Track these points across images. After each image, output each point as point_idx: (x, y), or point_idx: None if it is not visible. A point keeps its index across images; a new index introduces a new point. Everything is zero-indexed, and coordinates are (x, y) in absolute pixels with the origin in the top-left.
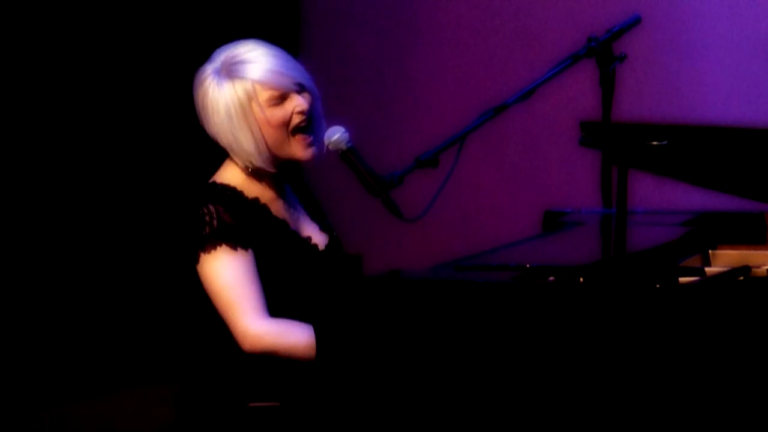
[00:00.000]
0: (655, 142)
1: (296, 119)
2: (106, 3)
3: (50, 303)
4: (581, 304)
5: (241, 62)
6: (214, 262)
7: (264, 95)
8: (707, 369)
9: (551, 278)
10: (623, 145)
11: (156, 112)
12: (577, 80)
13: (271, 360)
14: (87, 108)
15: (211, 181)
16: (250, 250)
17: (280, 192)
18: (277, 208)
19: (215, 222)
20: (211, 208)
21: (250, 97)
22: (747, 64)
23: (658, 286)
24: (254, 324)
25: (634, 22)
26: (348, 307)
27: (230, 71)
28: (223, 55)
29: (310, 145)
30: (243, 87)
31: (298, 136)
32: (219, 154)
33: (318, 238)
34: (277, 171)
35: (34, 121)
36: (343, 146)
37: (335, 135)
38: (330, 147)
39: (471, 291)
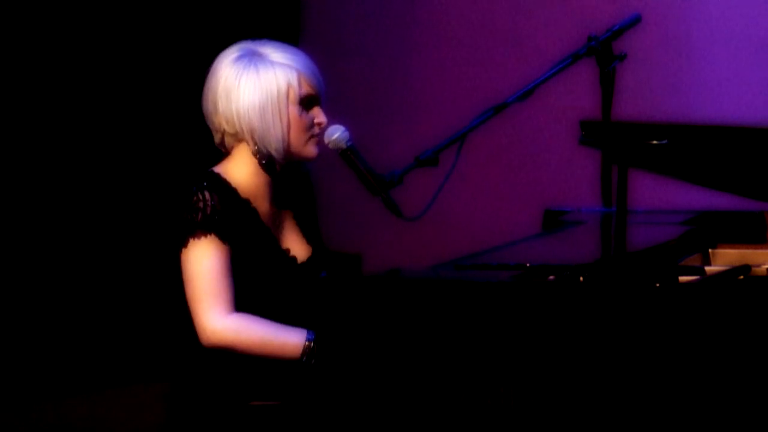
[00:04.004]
0: (655, 142)
1: (315, 130)
2: (106, 1)
3: (39, 299)
4: (581, 304)
5: (287, 51)
6: (199, 249)
7: (302, 90)
8: (707, 368)
9: (551, 277)
10: (623, 144)
11: (155, 111)
12: (577, 79)
13: (263, 358)
14: (84, 106)
15: (210, 169)
16: (230, 246)
17: (273, 199)
18: (266, 215)
19: (209, 209)
20: (207, 194)
21: (290, 86)
22: (747, 63)
23: (658, 285)
24: (216, 320)
25: (634, 21)
26: (331, 312)
27: (272, 56)
28: (259, 43)
29: (316, 143)
30: (285, 75)
31: (312, 139)
32: (210, 158)
33: (299, 250)
34: (279, 171)
35: (31, 117)
36: (343, 145)
37: (335, 134)
38: (330, 146)
39: (471, 290)
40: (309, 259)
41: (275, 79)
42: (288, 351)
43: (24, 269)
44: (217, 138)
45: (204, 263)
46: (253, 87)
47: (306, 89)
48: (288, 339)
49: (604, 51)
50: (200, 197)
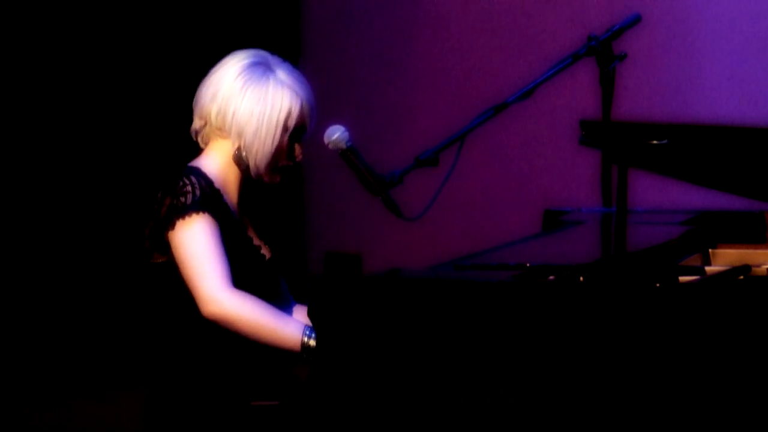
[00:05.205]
0: (655, 141)
1: (291, 162)
2: (106, 2)
3: (37, 301)
4: (581, 304)
5: (301, 81)
6: (193, 227)
7: (299, 121)
8: (707, 368)
9: (551, 277)
10: (623, 144)
11: (156, 112)
12: (577, 79)
13: (238, 360)
14: (82, 106)
15: (187, 165)
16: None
17: (240, 200)
18: (235, 210)
19: (198, 191)
20: (193, 179)
21: (291, 112)
22: (747, 63)
23: (658, 285)
24: (218, 291)
25: (634, 20)
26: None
27: (283, 76)
28: (273, 58)
29: (283, 174)
30: (290, 99)
31: (284, 169)
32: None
33: (263, 249)
34: (245, 182)
35: (26, 121)
36: (343, 145)
37: (335, 134)
38: (330, 146)
39: (471, 290)
40: (270, 259)
41: (281, 99)
42: (285, 338)
43: (19, 270)
44: (198, 124)
45: (201, 239)
46: (258, 97)
47: (301, 121)
48: (286, 325)
49: (604, 51)
50: (187, 182)
